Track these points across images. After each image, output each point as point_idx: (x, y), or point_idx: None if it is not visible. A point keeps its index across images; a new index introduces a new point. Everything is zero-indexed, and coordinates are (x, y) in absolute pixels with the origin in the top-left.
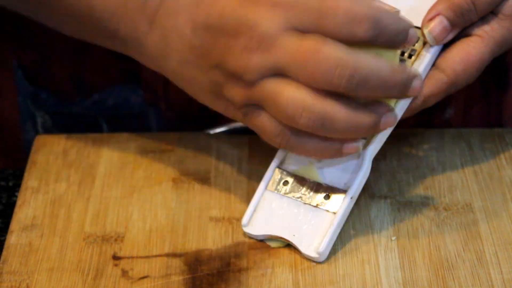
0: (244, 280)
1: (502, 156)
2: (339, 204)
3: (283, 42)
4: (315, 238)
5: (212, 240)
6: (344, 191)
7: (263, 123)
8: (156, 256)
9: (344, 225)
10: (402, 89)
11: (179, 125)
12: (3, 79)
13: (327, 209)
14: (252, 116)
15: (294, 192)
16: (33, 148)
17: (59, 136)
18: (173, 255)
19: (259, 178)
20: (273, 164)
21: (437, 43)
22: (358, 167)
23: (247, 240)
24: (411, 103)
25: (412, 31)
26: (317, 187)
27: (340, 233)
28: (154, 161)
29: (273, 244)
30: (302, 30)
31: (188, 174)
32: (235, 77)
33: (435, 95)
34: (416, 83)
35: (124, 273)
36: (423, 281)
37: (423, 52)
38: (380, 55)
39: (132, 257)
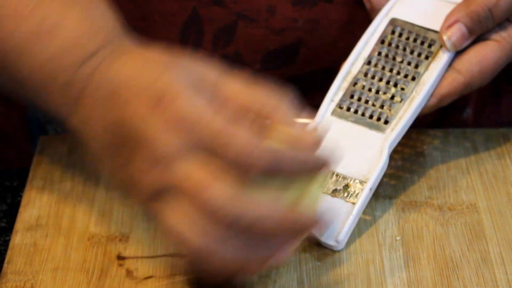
0: (248, 280)
1: (507, 156)
2: (358, 194)
3: (182, 162)
4: (333, 227)
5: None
6: (363, 182)
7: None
8: (161, 256)
9: None
10: (293, 234)
11: None
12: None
13: (345, 199)
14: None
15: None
16: (38, 148)
17: (64, 136)
18: (178, 255)
19: None
20: None
21: (455, 49)
22: (377, 159)
23: None
24: (427, 102)
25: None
26: (335, 178)
27: (351, 233)
28: None
29: None
30: (202, 151)
31: None
32: (136, 185)
33: (451, 94)
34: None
35: (129, 273)
36: (428, 281)
37: (440, 54)
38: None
39: (137, 257)
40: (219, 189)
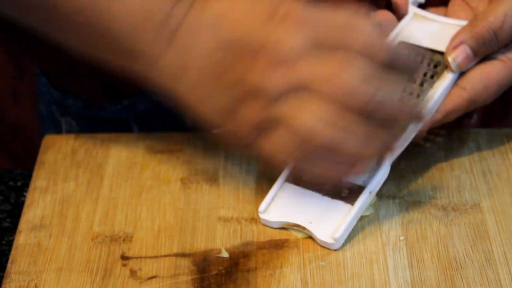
0: (252, 280)
1: (510, 156)
2: (357, 196)
3: (307, 59)
4: (331, 226)
5: (221, 240)
6: (363, 187)
7: (278, 142)
8: (164, 256)
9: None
10: (411, 120)
11: None
12: (23, 87)
13: (345, 201)
14: (266, 136)
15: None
16: (42, 148)
17: (68, 136)
18: (182, 255)
19: (267, 178)
20: None
21: (459, 70)
22: (378, 167)
23: (255, 240)
24: (433, 117)
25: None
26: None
27: (348, 233)
28: (163, 161)
29: (294, 232)
30: (326, 48)
31: (197, 174)
32: (256, 93)
33: (456, 110)
34: (423, 112)
35: (133, 273)
36: (432, 281)
37: (445, 74)
38: None
39: (141, 257)
40: (355, 69)
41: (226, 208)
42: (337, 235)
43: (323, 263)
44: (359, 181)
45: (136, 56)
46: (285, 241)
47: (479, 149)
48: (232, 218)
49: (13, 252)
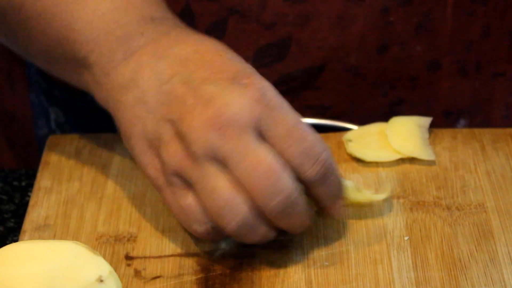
0: (256, 280)
1: None
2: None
3: (243, 136)
4: None
5: (225, 239)
6: None
7: (188, 205)
8: (169, 256)
9: (356, 225)
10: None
11: None
12: (16, 76)
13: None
14: (176, 191)
15: None
16: (46, 148)
17: (72, 136)
18: (186, 255)
19: None
20: None
21: None
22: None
23: None
24: None
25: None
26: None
27: (352, 233)
28: None
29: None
30: (265, 137)
31: None
32: (183, 140)
33: None
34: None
35: (137, 273)
36: (436, 281)
37: None
38: None
39: (145, 257)
40: (284, 173)
41: None
42: None
43: (327, 263)
44: None
45: (89, 65)
46: (289, 241)
47: (483, 149)
48: None
49: None
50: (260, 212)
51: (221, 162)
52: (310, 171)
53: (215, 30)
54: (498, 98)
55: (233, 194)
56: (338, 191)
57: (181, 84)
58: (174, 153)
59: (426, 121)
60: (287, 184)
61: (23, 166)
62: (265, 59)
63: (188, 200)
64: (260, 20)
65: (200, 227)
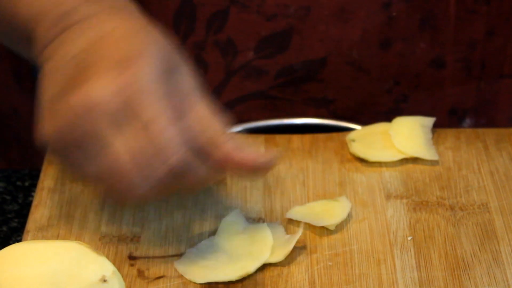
0: (260, 280)
1: None
2: None
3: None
4: None
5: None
6: None
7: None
8: (172, 256)
9: (360, 225)
10: None
11: None
12: (23, 71)
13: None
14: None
15: None
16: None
17: None
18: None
19: (275, 178)
20: None
21: None
22: None
23: None
24: None
25: None
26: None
27: (356, 233)
28: None
29: None
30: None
31: None
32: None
33: None
34: None
35: (140, 273)
36: (439, 281)
37: None
38: None
39: (148, 257)
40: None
41: (233, 208)
42: None
43: (330, 263)
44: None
45: (33, 42)
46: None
47: (486, 149)
48: None
49: None
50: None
51: (128, 116)
52: (159, 171)
53: (216, 20)
54: (503, 100)
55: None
56: (199, 183)
57: (76, 64)
58: (72, 105)
59: (429, 121)
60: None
61: (28, 162)
62: (266, 50)
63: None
64: (261, 11)
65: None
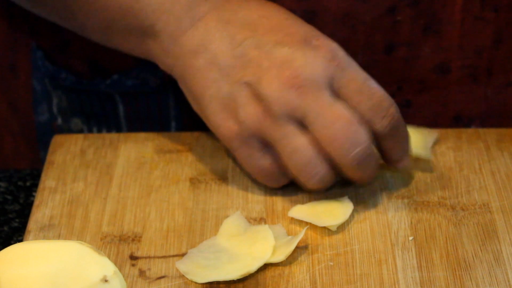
0: (261, 280)
1: None
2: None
3: (320, 94)
4: None
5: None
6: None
7: (267, 166)
8: (173, 256)
9: (361, 225)
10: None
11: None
12: (19, 60)
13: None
14: (254, 152)
15: None
16: (51, 148)
17: (77, 135)
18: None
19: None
20: None
21: None
22: None
23: None
24: None
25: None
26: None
27: (357, 233)
28: (171, 160)
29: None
30: (338, 94)
31: (205, 174)
32: (261, 102)
33: None
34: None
35: (142, 273)
36: (441, 281)
37: None
38: None
39: (150, 257)
40: (360, 127)
41: (235, 208)
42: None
43: (332, 263)
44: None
45: (155, 33)
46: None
47: (488, 149)
48: None
49: None
50: (335, 165)
51: (300, 121)
52: (381, 124)
53: None
54: (511, 108)
55: (314, 152)
56: (406, 144)
57: (254, 48)
58: (253, 114)
59: (433, 134)
60: (364, 136)
61: (22, 158)
62: None
63: (267, 161)
64: None
65: (277, 183)
